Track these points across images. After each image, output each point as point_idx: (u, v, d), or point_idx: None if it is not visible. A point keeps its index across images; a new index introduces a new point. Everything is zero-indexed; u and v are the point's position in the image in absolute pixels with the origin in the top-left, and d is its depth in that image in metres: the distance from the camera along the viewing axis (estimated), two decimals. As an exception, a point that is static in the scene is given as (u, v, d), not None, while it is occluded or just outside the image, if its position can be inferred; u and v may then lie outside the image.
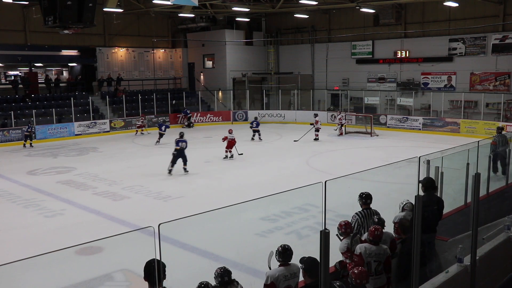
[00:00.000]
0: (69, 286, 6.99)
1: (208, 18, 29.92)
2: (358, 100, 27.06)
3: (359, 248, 5.02)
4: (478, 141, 8.15)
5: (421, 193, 6.05)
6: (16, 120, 22.30)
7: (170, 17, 31.02)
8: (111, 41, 29.11)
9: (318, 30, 29.26)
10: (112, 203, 11.74)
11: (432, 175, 7.38)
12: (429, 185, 6.25)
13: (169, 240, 4.62)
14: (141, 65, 30.76)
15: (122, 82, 28.63)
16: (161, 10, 26.56)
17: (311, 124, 21.01)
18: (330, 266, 3.80)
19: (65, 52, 28.02)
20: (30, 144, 20.77)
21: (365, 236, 5.37)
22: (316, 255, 3.62)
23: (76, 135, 23.47)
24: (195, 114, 27.71)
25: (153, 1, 21.97)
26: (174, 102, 27.68)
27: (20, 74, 32.09)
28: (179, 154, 14.43)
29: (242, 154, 17.06)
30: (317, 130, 20.81)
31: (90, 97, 25.86)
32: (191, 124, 26.76)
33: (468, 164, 7.86)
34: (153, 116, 26.22)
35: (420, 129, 23.57)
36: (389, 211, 6.12)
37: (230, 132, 16.96)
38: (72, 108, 23.70)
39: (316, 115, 21.46)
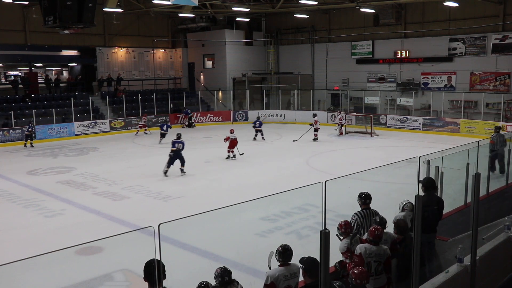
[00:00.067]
0: (69, 286, 6.99)
1: (208, 18, 29.92)
2: (358, 100, 27.06)
3: (359, 248, 5.02)
4: (478, 141, 8.15)
5: (421, 193, 6.06)
6: (16, 120, 22.31)
7: (170, 17, 31.02)
8: (111, 41, 29.11)
9: (318, 30, 29.26)
10: (112, 203, 11.74)
11: (432, 175, 7.39)
12: (429, 185, 6.25)
13: (169, 240, 4.62)
14: (141, 65, 30.77)
15: (122, 82, 28.63)
16: (161, 10, 26.56)
17: (311, 124, 21.00)
18: (330, 266, 3.80)
19: (65, 52, 28.02)
20: (31, 144, 20.78)
21: (365, 236, 5.37)
22: (316, 255, 3.62)
23: (76, 135, 23.48)
24: (195, 114, 27.72)
25: (153, 1, 21.97)
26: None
27: (20, 74, 32.10)
28: (176, 155, 14.32)
29: (243, 154, 17.06)
30: (316, 130, 20.81)
31: (90, 97, 25.87)
32: (193, 124, 26.77)
33: (468, 164, 7.87)
34: (153, 116, 26.22)
35: (420, 129, 23.57)
36: (389, 211, 6.12)
37: (232, 132, 16.96)
38: (72, 108, 23.70)
39: (315, 115, 21.46)
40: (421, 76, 25.51)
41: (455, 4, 22.08)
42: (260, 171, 15.24)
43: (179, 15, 27.50)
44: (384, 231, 5.51)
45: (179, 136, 14.95)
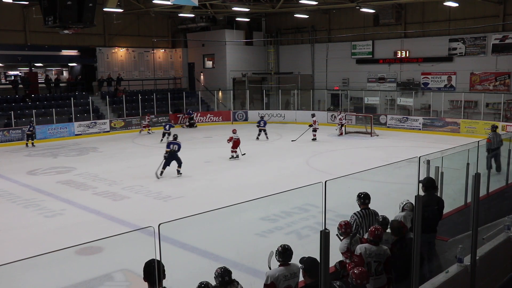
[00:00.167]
0: (69, 286, 7.00)
1: (208, 18, 29.92)
2: (358, 100, 27.06)
3: (359, 248, 5.02)
4: (478, 141, 8.16)
5: (421, 193, 6.06)
6: (16, 120, 22.31)
7: (170, 17, 31.02)
8: (111, 41, 29.11)
9: (318, 30, 29.26)
10: (112, 203, 11.74)
11: (432, 175, 7.39)
12: (430, 185, 6.26)
13: (169, 240, 4.63)
14: (141, 65, 30.77)
15: (122, 82, 28.63)
16: (161, 10, 26.56)
17: (310, 125, 20.99)
18: (330, 266, 3.80)
19: (65, 52, 28.02)
20: (32, 143, 20.81)
21: (366, 235, 5.37)
22: (316, 255, 3.62)
23: (76, 135, 23.47)
24: (196, 114, 27.71)
25: (153, 1, 21.97)
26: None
27: (20, 74, 32.10)
28: (172, 156, 14.18)
29: (245, 154, 17.05)
30: (314, 130, 20.81)
31: (90, 97, 25.87)
32: (194, 125, 26.80)
33: (468, 164, 7.87)
34: (153, 116, 26.22)
35: (420, 129, 23.57)
36: (389, 211, 6.12)
37: (234, 132, 16.95)
38: (72, 108, 23.70)
39: (313, 115, 21.48)
40: (421, 76, 25.51)
41: (455, 4, 22.08)
42: (260, 171, 15.24)
43: (179, 15, 27.50)
44: (386, 231, 5.51)
45: (175, 137, 14.89)
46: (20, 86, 26.14)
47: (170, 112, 27.33)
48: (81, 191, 12.89)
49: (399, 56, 26.13)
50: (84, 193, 12.68)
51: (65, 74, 33.16)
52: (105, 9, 22.68)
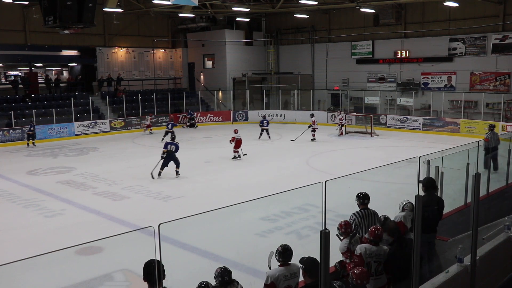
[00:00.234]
0: (69, 286, 7.00)
1: (208, 18, 29.91)
2: (358, 100, 27.06)
3: (359, 248, 5.02)
4: (478, 141, 8.16)
5: (422, 193, 6.05)
6: (16, 120, 22.31)
7: (170, 17, 31.02)
8: (111, 41, 29.11)
9: (318, 30, 29.26)
10: (112, 203, 11.74)
11: (432, 175, 7.39)
12: (430, 185, 6.25)
13: (169, 240, 4.63)
14: (141, 65, 30.77)
15: (122, 82, 28.63)
16: (161, 10, 26.56)
17: (309, 125, 21.00)
18: (330, 266, 3.80)
19: (65, 52, 28.02)
20: (33, 143, 20.83)
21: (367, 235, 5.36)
22: (316, 255, 3.62)
23: (76, 135, 23.48)
24: (196, 114, 27.71)
25: (153, 1, 21.96)
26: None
27: (20, 74, 32.09)
28: (169, 157, 14.05)
29: (246, 154, 17.04)
30: (313, 130, 20.82)
31: (90, 97, 25.87)
32: (195, 125, 26.81)
33: (468, 164, 7.87)
34: (153, 116, 26.21)
35: (420, 129, 23.57)
36: (389, 211, 6.11)
37: (236, 132, 16.94)
38: (72, 108, 23.70)
39: (312, 116, 21.49)
40: (421, 76, 25.51)
41: (455, 4, 22.08)
42: (260, 171, 15.24)
43: (179, 15, 27.50)
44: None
45: (173, 137, 14.83)
46: (20, 86, 26.14)
47: (170, 113, 27.31)
48: (81, 191, 12.89)
49: (399, 56, 26.14)
50: (84, 193, 12.68)
51: (65, 74, 33.16)
52: (105, 9, 22.68)
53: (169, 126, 21.47)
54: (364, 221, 5.91)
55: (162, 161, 14.11)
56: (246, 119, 28.08)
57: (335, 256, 5.19)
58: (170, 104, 27.77)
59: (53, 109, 23.28)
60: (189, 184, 13.62)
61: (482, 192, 7.89)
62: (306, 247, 5.11)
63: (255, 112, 28.21)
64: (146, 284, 3.87)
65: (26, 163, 17.21)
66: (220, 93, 30.54)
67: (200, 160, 16.86)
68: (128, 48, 29.98)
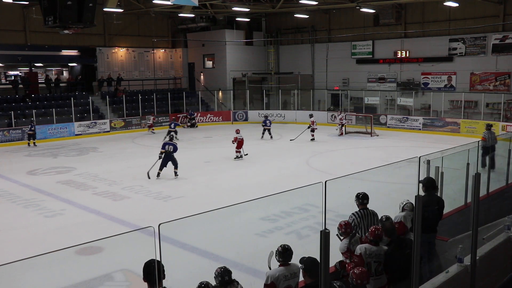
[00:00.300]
0: (69, 286, 7.00)
1: (208, 18, 29.91)
2: (358, 100, 27.06)
3: (359, 248, 5.02)
4: (478, 141, 8.16)
5: (422, 193, 6.05)
6: (16, 120, 22.31)
7: (170, 17, 31.02)
8: (111, 41, 29.11)
9: (318, 30, 29.26)
10: (112, 203, 11.74)
11: (432, 175, 7.39)
12: (430, 185, 6.25)
13: (169, 240, 4.63)
14: (141, 65, 30.77)
15: (122, 82, 28.63)
16: (161, 10, 26.56)
17: (309, 126, 21.01)
18: (330, 266, 3.80)
19: (65, 52, 28.02)
20: (34, 143, 20.85)
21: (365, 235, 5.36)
22: (316, 255, 3.62)
23: (76, 135, 23.48)
24: (196, 114, 27.72)
25: (153, 1, 21.96)
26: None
27: (20, 74, 32.09)
28: (167, 157, 13.95)
29: (247, 154, 17.03)
30: (312, 130, 20.83)
31: (90, 97, 25.87)
32: (195, 125, 26.82)
33: (468, 164, 7.87)
34: (151, 116, 26.20)
35: (420, 129, 23.57)
36: (389, 211, 6.11)
37: (238, 132, 16.94)
38: (72, 108, 23.70)
39: (311, 116, 21.51)
40: (421, 76, 25.51)
41: (455, 4, 22.08)
42: (260, 171, 15.24)
43: (179, 15, 27.50)
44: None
45: (171, 138, 14.79)
46: (20, 86, 26.14)
47: (170, 113, 27.32)
48: (81, 191, 12.89)
49: (399, 56, 26.14)
50: (84, 193, 12.68)
51: (65, 74, 33.16)
52: (105, 9, 22.68)
53: (172, 126, 21.71)
54: (363, 221, 5.91)
55: (160, 161, 14.05)
56: (246, 119, 28.08)
57: (335, 256, 5.19)
58: (170, 104, 27.77)
59: (53, 109, 23.28)
60: (189, 184, 13.62)
61: (482, 192, 7.89)
62: (306, 247, 5.11)
63: (255, 112, 28.22)
64: (146, 284, 3.87)
65: (26, 163, 17.21)
66: (220, 93, 30.54)
67: (200, 160, 16.86)
68: (128, 48, 29.98)
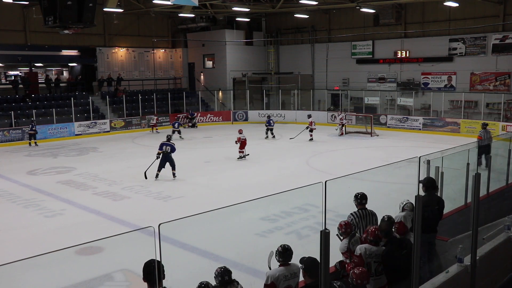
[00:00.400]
0: (69, 286, 7.00)
1: (208, 18, 29.92)
2: (358, 100, 27.06)
3: (359, 249, 5.02)
4: (478, 141, 8.15)
5: (422, 193, 6.05)
6: (17, 120, 22.31)
7: (170, 17, 31.02)
8: (111, 41, 29.11)
9: (318, 30, 29.26)
10: (112, 203, 11.74)
11: (432, 175, 7.38)
12: (430, 185, 6.25)
13: (169, 240, 4.63)
14: (141, 65, 30.77)
15: (122, 82, 28.63)
16: (161, 10, 26.56)
17: (307, 127, 21.01)
18: (330, 266, 3.80)
19: (65, 52, 28.02)
20: (35, 143, 20.86)
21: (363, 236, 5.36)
22: (316, 255, 3.62)
23: (76, 135, 23.48)
24: (197, 114, 27.72)
25: (153, 1, 21.97)
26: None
27: (20, 74, 32.09)
28: (165, 158, 13.88)
29: (248, 154, 17.02)
30: (311, 130, 20.84)
31: (90, 97, 25.87)
32: (195, 125, 26.85)
33: (468, 164, 7.87)
34: (151, 116, 26.20)
35: (420, 129, 23.57)
36: (389, 211, 6.11)
37: (241, 132, 16.92)
38: (72, 108, 23.71)
39: (309, 116, 21.52)
40: (421, 76, 25.51)
41: (455, 4, 22.08)
42: (260, 171, 15.24)
43: (179, 15, 27.50)
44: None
45: (168, 138, 14.56)
46: (20, 86, 26.14)
47: (170, 113, 27.33)
48: (81, 191, 12.89)
49: (399, 56, 26.14)
50: (84, 193, 12.68)
51: (65, 74, 33.15)
52: (105, 9, 22.69)
53: (176, 125, 22.00)
54: (362, 221, 5.90)
55: (158, 162, 13.98)
56: (246, 119, 28.07)
57: (335, 256, 5.19)
58: (170, 104, 27.78)
59: (53, 109, 23.28)
60: (189, 184, 13.62)
61: (482, 192, 7.89)
62: (306, 247, 5.11)
63: (255, 112, 28.22)
64: (146, 284, 3.87)
65: (26, 163, 17.21)
66: (220, 93, 30.54)
67: (200, 160, 16.86)
68: (128, 48, 29.98)
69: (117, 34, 29.14)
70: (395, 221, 5.91)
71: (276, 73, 31.54)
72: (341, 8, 26.14)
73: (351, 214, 5.98)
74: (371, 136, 22.22)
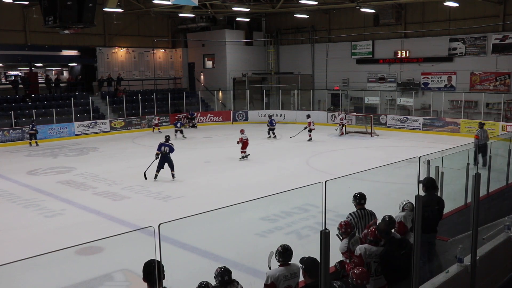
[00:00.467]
0: (69, 286, 7.00)
1: (208, 18, 29.92)
2: (358, 100, 27.06)
3: (359, 249, 5.02)
4: (478, 141, 8.15)
5: (422, 193, 6.05)
6: (17, 120, 22.31)
7: (170, 17, 31.02)
8: (111, 41, 29.11)
9: (318, 30, 29.26)
10: (112, 203, 11.74)
11: (432, 175, 7.38)
12: (430, 185, 6.25)
13: (169, 240, 4.63)
14: (141, 65, 30.77)
15: (122, 82, 28.64)
16: (161, 10, 26.56)
17: (305, 127, 21.02)
18: (330, 266, 3.80)
19: (65, 52, 28.02)
20: (36, 143, 20.85)
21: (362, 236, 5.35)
22: (316, 255, 3.62)
23: (76, 135, 23.48)
24: (197, 114, 27.72)
25: (153, 1, 21.97)
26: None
27: (20, 74, 32.09)
28: (164, 159, 13.79)
29: (249, 155, 17.02)
30: (310, 131, 20.85)
31: (90, 97, 25.87)
32: (195, 125, 26.86)
33: (468, 164, 7.87)
34: (153, 116, 26.22)
35: (420, 129, 23.57)
36: (389, 211, 6.10)
37: (242, 132, 16.90)
38: (72, 108, 23.71)
39: (308, 116, 21.53)
40: (421, 76, 25.51)
41: (455, 4, 22.08)
42: (260, 171, 15.24)
43: (179, 15, 27.50)
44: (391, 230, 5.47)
45: (167, 138, 14.46)
46: (20, 86, 26.14)
47: (170, 113, 27.34)
48: (81, 191, 12.89)
49: (399, 56, 26.14)
50: (84, 193, 12.68)
51: (65, 74, 33.15)
52: (105, 9, 22.68)
53: (178, 125, 22.22)
54: (360, 222, 5.90)
55: (156, 162, 13.91)
56: (246, 119, 28.07)
57: (335, 256, 5.19)
58: (170, 104, 27.78)
59: (53, 109, 23.29)
60: (189, 184, 13.62)
61: (482, 192, 7.89)
62: (306, 247, 5.11)
63: (255, 112, 28.22)
64: (146, 284, 3.86)
65: (26, 163, 17.21)
66: (220, 93, 30.54)
67: (200, 160, 16.86)
68: (128, 48, 29.98)
69: (117, 34, 29.14)
70: (385, 223, 5.89)
71: (276, 73, 31.54)
72: (341, 8, 26.14)
73: (350, 214, 5.98)
74: (371, 136, 22.22)
